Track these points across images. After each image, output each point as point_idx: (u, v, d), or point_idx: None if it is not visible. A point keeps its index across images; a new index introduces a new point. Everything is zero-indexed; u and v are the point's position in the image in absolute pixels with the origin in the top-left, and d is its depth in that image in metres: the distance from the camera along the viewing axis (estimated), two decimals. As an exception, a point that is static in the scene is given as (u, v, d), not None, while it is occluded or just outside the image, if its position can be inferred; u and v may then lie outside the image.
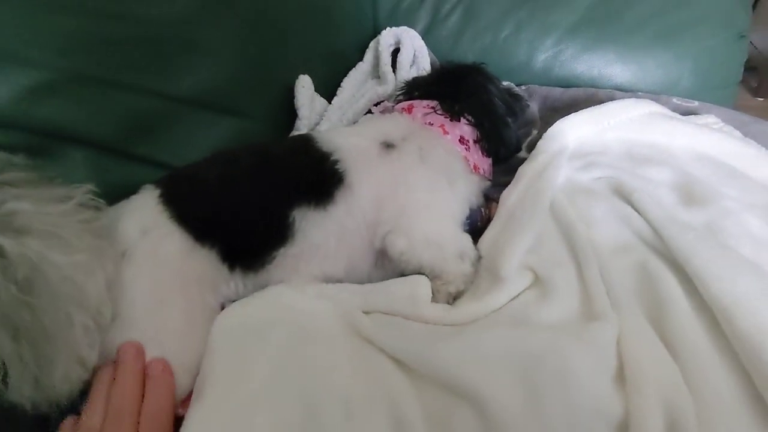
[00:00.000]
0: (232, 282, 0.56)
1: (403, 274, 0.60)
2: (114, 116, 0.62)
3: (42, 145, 0.57)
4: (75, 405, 0.44)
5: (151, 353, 0.47)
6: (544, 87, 0.94)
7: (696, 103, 0.84)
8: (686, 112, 0.81)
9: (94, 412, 0.42)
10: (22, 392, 0.39)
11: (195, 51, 0.69)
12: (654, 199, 0.61)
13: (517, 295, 0.53)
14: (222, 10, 0.72)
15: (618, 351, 0.45)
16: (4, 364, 0.38)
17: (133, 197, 0.57)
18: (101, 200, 0.50)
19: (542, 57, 0.98)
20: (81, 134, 0.59)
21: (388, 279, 0.60)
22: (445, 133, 0.68)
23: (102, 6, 0.59)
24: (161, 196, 0.55)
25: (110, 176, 0.62)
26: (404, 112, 0.72)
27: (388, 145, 0.64)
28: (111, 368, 0.45)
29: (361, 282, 0.60)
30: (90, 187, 0.49)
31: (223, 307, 0.55)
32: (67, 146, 0.59)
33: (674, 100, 0.85)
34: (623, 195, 0.64)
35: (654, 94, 0.88)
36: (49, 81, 0.55)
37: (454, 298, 0.58)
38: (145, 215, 0.54)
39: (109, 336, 0.46)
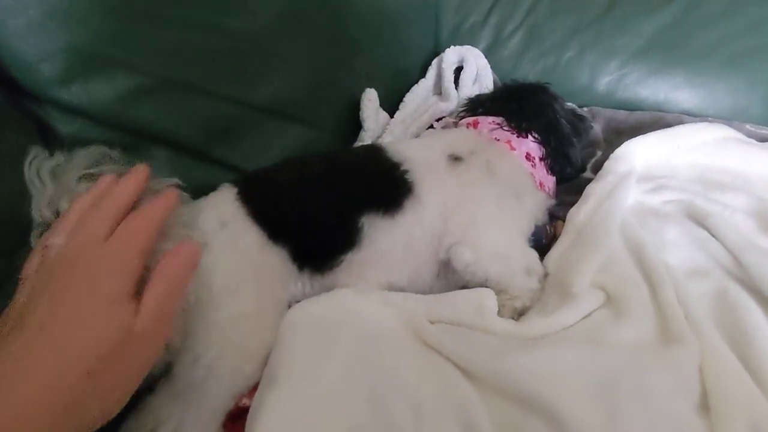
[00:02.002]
0: (299, 282, 0.58)
1: (465, 287, 0.60)
2: (197, 120, 0.65)
3: (132, 143, 0.61)
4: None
5: (224, 335, 0.49)
6: (608, 109, 0.93)
7: (771, 131, 0.81)
8: (760, 139, 0.78)
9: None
10: None
11: (272, 62, 0.72)
12: (731, 225, 0.59)
13: (589, 314, 0.52)
14: (299, 25, 0.76)
15: (701, 377, 0.43)
16: None
17: (212, 194, 0.59)
18: (185, 194, 0.53)
19: (605, 80, 0.97)
20: (167, 135, 0.63)
21: (449, 290, 0.61)
22: (512, 149, 0.68)
23: (196, 18, 0.63)
24: (239, 194, 0.58)
25: (189, 176, 0.64)
26: (470, 127, 0.73)
27: (456, 158, 0.65)
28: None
29: (422, 292, 0.61)
30: (177, 181, 0.52)
31: (289, 306, 0.56)
32: (154, 146, 0.62)
33: (747, 126, 0.82)
34: (697, 219, 0.62)
35: (724, 119, 0.85)
36: (146, 85, 0.59)
37: (519, 314, 0.57)
38: (224, 210, 0.56)
39: (189, 317, 0.48)
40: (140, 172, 0.43)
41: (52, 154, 0.45)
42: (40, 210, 0.43)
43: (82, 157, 0.46)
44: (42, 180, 0.43)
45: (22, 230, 0.45)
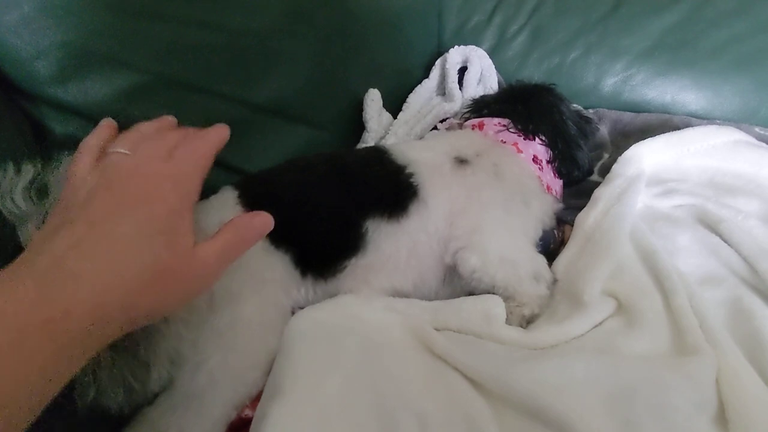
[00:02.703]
0: (303, 288, 0.56)
1: (471, 293, 0.59)
2: (196, 120, 0.62)
3: (130, 144, 0.59)
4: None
5: (226, 341, 0.48)
6: (614, 111, 0.91)
7: (781, 133, 0.80)
8: (770, 142, 0.77)
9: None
10: (113, 396, 0.39)
11: (274, 61, 0.71)
12: (745, 231, 0.58)
13: (601, 323, 0.50)
14: (301, 23, 0.74)
15: (717, 389, 0.42)
16: (95, 371, 0.38)
17: (213, 197, 0.58)
18: None
19: (611, 81, 0.96)
20: (166, 136, 0.61)
21: (455, 297, 0.59)
22: (519, 151, 0.67)
23: (194, 15, 0.61)
24: (240, 197, 0.56)
25: None
26: (475, 129, 0.71)
27: (462, 161, 0.63)
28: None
29: (428, 298, 0.59)
30: None
31: (292, 313, 0.55)
32: (153, 146, 0.61)
33: (757, 129, 0.81)
34: (709, 224, 0.61)
35: (731, 122, 0.84)
36: (143, 83, 0.57)
37: (527, 322, 0.56)
38: (225, 213, 0.55)
39: (189, 324, 0.47)
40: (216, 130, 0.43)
41: (19, 170, 0.41)
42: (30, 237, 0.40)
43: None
44: (16, 203, 0.39)
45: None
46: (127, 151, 0.38)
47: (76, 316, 0.29)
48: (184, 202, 0.37)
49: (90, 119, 0.56)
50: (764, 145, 0.72)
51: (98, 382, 0.38)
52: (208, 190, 0.60)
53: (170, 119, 0.45)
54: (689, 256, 0.57)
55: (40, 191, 0.41)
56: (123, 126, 0.56)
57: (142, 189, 0.35)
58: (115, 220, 0.33)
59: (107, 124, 0.43)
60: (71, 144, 0.55)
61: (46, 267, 0.30)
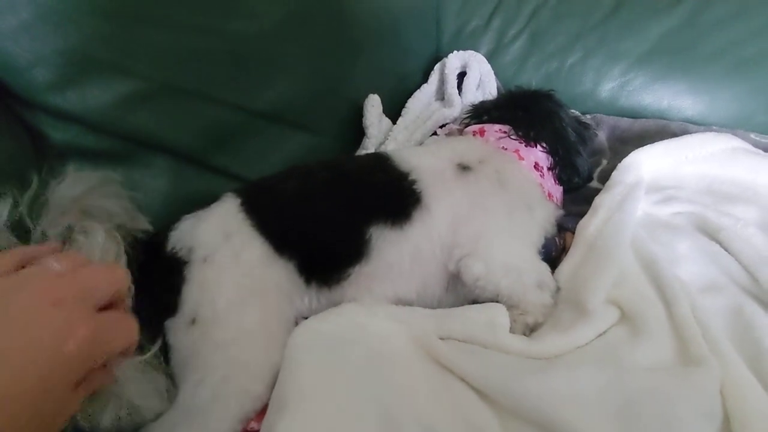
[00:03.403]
0: (306, 296, 0.56)
1: (475, 301, 0.59)
2: (196, 127, 0.63)
3: (130, 151, 0.59)
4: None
5: (229, 355, 0.47)
6: (611, 117, 0.92)
7: (776, 140, 0.80)
8: (766, 149, 0.77)
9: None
10: (116, 421, 0.38)
11: (274, 67, 0.70)
12: (744, 239, 0.58)
13: (605, 332, 0.51)
14: (300, 29, 0.73)
15: (722, 400, 0.42)
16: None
17: (215, 204, 0.57)
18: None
19: (609, 86, 0.96)
20: (166, 143, 0.61)
21: (458, 305, 0.59)
22: (520, 158, 0.67)
23: (194, 21, 0.61)
24: (243, 204, 0.56)
25: (189, 185, 0.64)
26: (476, 135, 0.71)
27: (464, 168, 0.63)
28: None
29: (431, 306, 0.59)
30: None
31: (296, 322, 0.54)
32: (153, 154, 0.60)
33: (752, 135, 0.81)
34: (708, 232, 0.61)
35: (727, 128, 0.85)
36: (142, 90, 0.57)
37: (531, 330, 0.56)
38: (228, 221, 0.54)
39: (189, 337, 0.46)
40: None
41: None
42: None
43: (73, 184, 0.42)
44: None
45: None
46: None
47: None
48: (76, 372, 0.31)
49: (89, 126, 0.55)
50: (761, 152, 0.73)
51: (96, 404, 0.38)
52: (208, 197, 0.60)
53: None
54: (689, 264, 0.57)
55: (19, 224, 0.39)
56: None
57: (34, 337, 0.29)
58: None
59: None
60: (70, 151, 0.55)
61: None
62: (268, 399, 0.47)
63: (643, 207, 0.67)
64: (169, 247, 0.53)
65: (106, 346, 0.32)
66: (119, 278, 0.35)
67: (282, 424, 0.41)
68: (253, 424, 0.47)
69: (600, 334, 0.51)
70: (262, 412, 0.46)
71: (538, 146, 0.69)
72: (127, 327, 0.34)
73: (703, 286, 0.55)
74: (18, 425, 0.28)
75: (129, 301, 0.38)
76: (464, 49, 0.97)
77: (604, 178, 0.73)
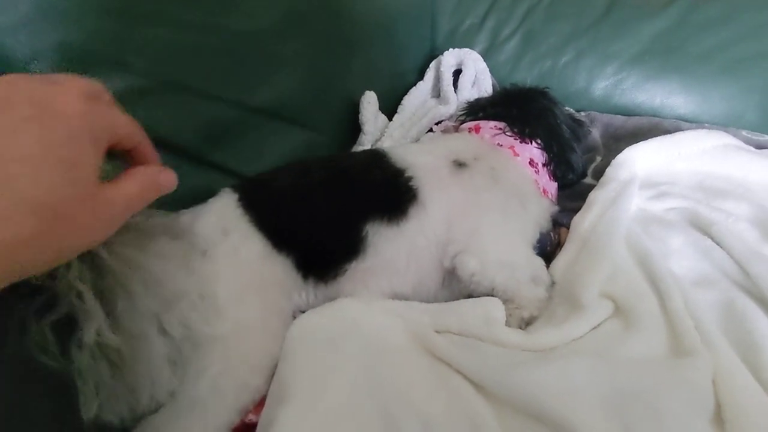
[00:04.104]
0: (303, 291, 0.56)
1: (470, 296, 0.60)
2: (194, 123, 0.63)
3: (127, 147, 0.58)
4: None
5: (229, 347, 0.47)
6: (605, 114, 0.93)
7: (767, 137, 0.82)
8: (757, 146, 0.79)
9: None
10: (115, 412, 0.39)
11: (271, 64, 0.71)
12: (736, 234, 0.59)
13: (598, 325, 0.51)
14: (298, 26, 0.74)
15: (714, 391, 0.43)
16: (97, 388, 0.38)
17: (212, 200, 0.57)
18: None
19: (602, 85, 0.97)
20: (164, 138, 0.60)
21: (454, 300, 0.59)
22: (515, 154, 0.67)
23: (192, 18, 0.61)
24: (240, 200, 0.56)
25: (186, 180, 0.62)
26: (472, 132, 0.72)
27: (460, 164, 0.64)
28: None
29: (427, 301, 0.59)
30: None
31: (294, 317, 0.55)
32: (150, 150, 0.60)
33: (744, 132, 0.83)
34: (701, 227, 0.62)
35: (719, 126, 0.86)
36: (141, 86, 0.57)
37: (526, 324, 0.57)
38: (226, 217, 0.54)
39: None
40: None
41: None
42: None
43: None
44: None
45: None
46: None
47: None
48: (93, 132, 0.30)
49: (87, 122, 0.55)
50: (752, 149, 0.74)
51: (101, 396, 0.38)
52: (205, 193, 0.60)
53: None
54: (682, 259, 0.58)
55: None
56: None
57: (37, 107, 0.29)
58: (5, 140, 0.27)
59: None
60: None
61: None
62: (266, 391, 0.47)
63: (636, 202, 0.68)
64: None
65: (107, 117, 0.32)
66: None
67: (280, 416, 0.41)
68: (252, 416, 0.47)
69: (594, 328, 0.51)
70: (260, 404, 0.47)
71: (533, 143, 0.69)
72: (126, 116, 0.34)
73: (696, 280, 0.56)
74: (52, 181, 0.27)
75: None
76: (459, 48, 0.98)
77: (598, 174, 0.74)
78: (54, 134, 0.28)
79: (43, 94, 0.29)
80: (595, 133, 0.88)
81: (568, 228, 0.66)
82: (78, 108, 0.30)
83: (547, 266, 0.62)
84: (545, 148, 0.70)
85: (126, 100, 0.54)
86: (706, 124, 0.87)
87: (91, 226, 0.31)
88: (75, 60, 0.52)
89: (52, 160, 0.28)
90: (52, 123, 0.29)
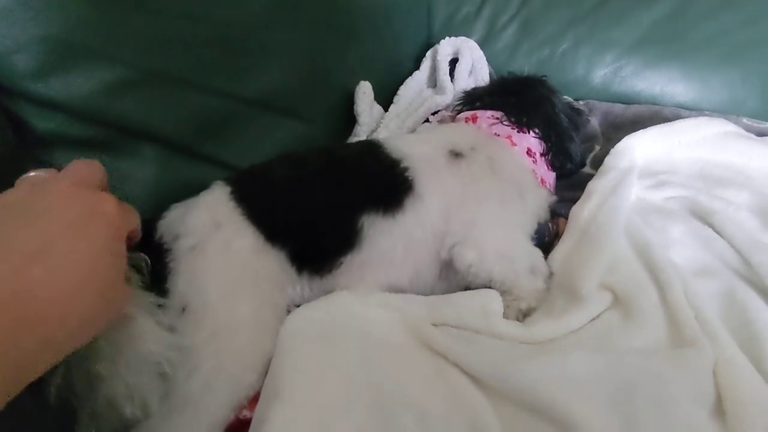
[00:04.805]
0: (298, 285, 0.56)
1: (468, 288, 0.59)
2: (185, 115, 0.62)
3: (116, 140, 0.57)
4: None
5: (221, 344, 0.47)
6: (604, 103, 0.91)
7: (768, 125, 0.80)
8: (758, 134, 0.78)
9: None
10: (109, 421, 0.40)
11: (263, 54, 0.69)
12: (737, 223, 0.58)
13: (598, 316, 0.51)
14: (290, 15, 0.72)
15: (715, 381, 0.42)
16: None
17: (204, 193, 0.56)
18: None
19: (601, 73, 0.96)
20: (153, 131, 0.59)
21: (451, 292, 0.59)
22: (513, 144, 0.66)
23: (180, 7, 0.59)
24: (233, 193, 0.55)
25: (177, 174, 0.62)
26: (469, 122, 0.71)
27: (456, 154, 0.63)
28: None
29: (423, 294, 0.59)
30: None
31: (288, 311, 0.54)
32: (140, 143, 0.59)
33: (745, 120, 0.81)
34: (701, 216, 0.61)
35: (719, 113, 0.85)
36: (128, 78, 0.56)
37: (524, 315, 0.56)
38: (218, 210, 0.53)
39: (180, 326, 0.46)
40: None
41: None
42: None
43: None
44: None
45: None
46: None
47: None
48: (120, 230, 0.36)
49: (74, 115, 0.54)
50: (753, 136, 0.73)
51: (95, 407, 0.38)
52: (197, 186, 0.59)
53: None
54: (683, 249, 0.57)
55: None
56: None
57: (86, 210, 0.34)
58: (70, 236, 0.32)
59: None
60: (54, 141, 0.54)
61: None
62: (261, 387, 0.46)
63: (636, 192, 0.67)
64: (157, 235, 0.52)
65: (126, 213, 0.37)
66: (98, 165, 0.38)
67: (274, 412, 0.41)
68: (246, 413, 0.46)
69: (593, 319, 0.50)
70: (254, 400, 0.46)
71: (531, 132, 0.68)
72: (128, 207, 0.39)
73: (697, 269, 0.55)
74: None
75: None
76: (456, 36, 0.96)
77: (597, 163, 0.73)
78: (109, 231, 0.35)
79: (93, 200, 0.35)
80: (594, 122, 0.87)
81: (566, 218, 0.65)
82: (116, 209, 0.36)
83: (546, 257, 0.61)
84: (543, 137, 0.69)
85: (113, 92, 0.55)
86: (707, 112, 0.85)
87: (120, 307, 0.37)
88: (60, 51, 0.51)
89: (108, 252, 0.34)
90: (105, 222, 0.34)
